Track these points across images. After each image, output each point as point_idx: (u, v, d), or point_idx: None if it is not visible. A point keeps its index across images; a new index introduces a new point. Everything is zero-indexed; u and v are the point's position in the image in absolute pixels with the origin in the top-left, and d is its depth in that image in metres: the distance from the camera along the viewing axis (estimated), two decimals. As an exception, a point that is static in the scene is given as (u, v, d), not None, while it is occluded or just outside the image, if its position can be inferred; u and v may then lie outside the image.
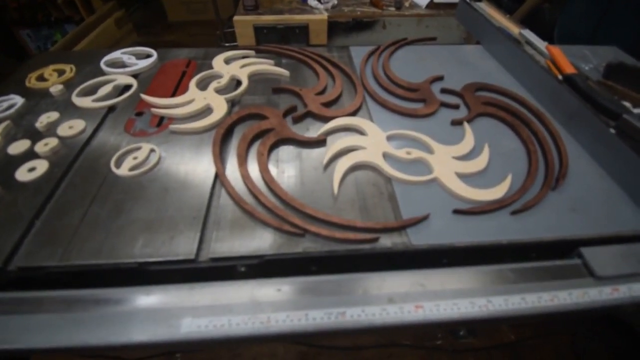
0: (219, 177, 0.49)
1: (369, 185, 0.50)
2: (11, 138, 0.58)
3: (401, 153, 0.53)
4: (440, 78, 0.72)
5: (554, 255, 0.46)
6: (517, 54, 0.73)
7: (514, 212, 0.46)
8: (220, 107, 0.62)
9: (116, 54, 0.78)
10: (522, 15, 1.34)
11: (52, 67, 0.75)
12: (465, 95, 0.66)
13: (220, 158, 0.52)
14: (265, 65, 0.74)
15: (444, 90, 0.69)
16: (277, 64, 0.77)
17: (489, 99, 0.65)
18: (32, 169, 0.52)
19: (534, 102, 0.66)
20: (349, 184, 0.50)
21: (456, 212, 0.46)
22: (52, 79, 0.71)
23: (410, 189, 0.49)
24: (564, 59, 0.67)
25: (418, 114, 0.62)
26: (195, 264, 0.41)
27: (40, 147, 0.54)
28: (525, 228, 0.45)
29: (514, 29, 0.82)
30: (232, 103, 0.66)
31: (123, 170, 0.51)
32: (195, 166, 0.52)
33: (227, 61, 0.76)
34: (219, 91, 0.68)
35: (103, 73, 0.73)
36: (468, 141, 0.56)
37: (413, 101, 0.66)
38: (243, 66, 0.74)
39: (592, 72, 0.73)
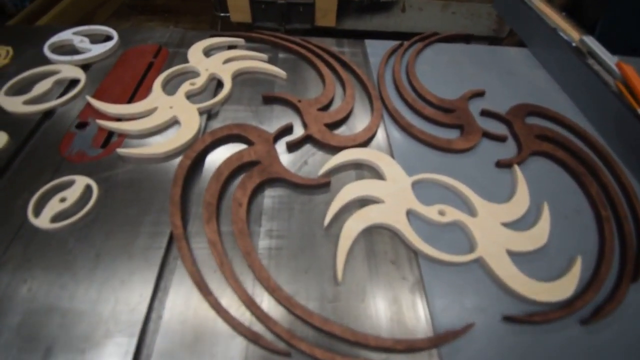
0: (176, 242, 0.35)
1: (386, 264, 0.36)
2: None
3: (432, 212, 0.39)
4: (480, 94, 0.56)
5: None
6: (577, 69, 0.57)
7: (585, 322, 0.33)
8: (190, 122, 0.46)
9: (66, 34, 0.60)
10: (559, 5, 1.15)
11: (-19, 47, 0.58)
12: (514, 122, 0.51)
13: (181, 207, 0.38)
14: (256, 62, 0.57)
15: (485, 113, 0.53)
16: (273, 59, 0.60)
17: (545, 130, 0.50)
18: None
19: (600, 140, 0.51)
20: (359, 256, 0.36)
21: (508, 319, 0.32)
22: (-23, 65, 0.55)
23: (443, 272, 0.35)
24: (648, 83, 0.51)
25: (453, 149, 0.47)
26: (127, 391, 0.28)
27: None
28: (600, 344, 0.32)
29: (573, 33, 0.65)
30: (207, 114, 0.50)
31: (43, 220, 0.36)
32: (145, 216, 0.38)
33: (208, 52, 0.59)
34: (191, 96, 0.52)
35: (47, 60, 0.56)
36: (521, 198, 0.41)
37: (446, 126, 0.51)
38: (227, 61, 0.57)
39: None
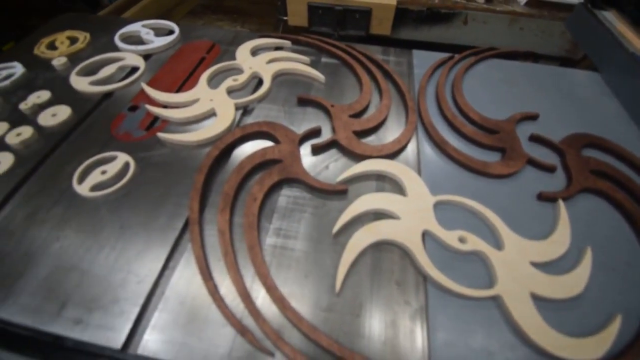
0: (189, 226, 0.37)
1: (390, 284, 0.34)
2: (-7, 117, 0.50)
3: (451, 238, 0.36)
4: (533, 117, 0.51)
5: None
6: (660, 99, 0.49)
7: (620, 393, 0.28)
8: (225, 116, 0.49)
9: (135, 27, 0.67)
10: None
11: (67, 32, 0.67)
12: (567, 152, 0.45)
13: (202, 194, 0.39)
14: (297, 64, 0.59)
15: (535, 138, 0.48)
16: (315, 62, 0.61)
17: (604, 166, 0.44)
18: (-6, 163, 0.43)
19: (678, 182, 0.43)
20: (362, 271, 0.35)
21: (520, 370, 0.29)
22: (61, 47, 0.63)
23: (453, 303, 0.33)
24: None
25: (490, 172, 0.43)
26: (121, 355, 0.30)
27: (11, 137, 0.46)
28: None
29: (661, 58, 0.56)
30: (243, 110, 0.52)
31: (84, 188, 0.40)
32: (169, 197, 0.40)
33: (255, 52, 0.62)
34: (232, 92, 0.54)
35: (116, 48, 0.63)
36: (561, 238, 0.37)
37: (486, 148, 0.47)
38: (270, 61, 0.59)
39: None
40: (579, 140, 0.47)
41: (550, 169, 0.44)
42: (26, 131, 0.46)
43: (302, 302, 0.32)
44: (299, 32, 0.70)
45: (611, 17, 0.67)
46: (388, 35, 1.12)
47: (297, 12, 1.13)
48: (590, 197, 0.42)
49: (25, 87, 0.55)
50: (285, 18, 1.45)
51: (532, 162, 0.45)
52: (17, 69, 0.58)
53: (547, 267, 0.35)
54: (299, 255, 0.35)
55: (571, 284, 0.33)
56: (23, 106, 0.50)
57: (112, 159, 0.44)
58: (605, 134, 0.48)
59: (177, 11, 2.19)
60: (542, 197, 0.41)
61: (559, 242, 0.36)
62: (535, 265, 0.35)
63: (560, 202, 0.40)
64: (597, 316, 0.32)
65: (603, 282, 0.34)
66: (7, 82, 0.55)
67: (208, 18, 2.39)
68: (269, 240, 0.37)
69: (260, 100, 0.53)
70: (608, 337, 0.30)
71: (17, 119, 0.49)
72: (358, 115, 0.51)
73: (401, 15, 1.07)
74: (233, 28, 1.82)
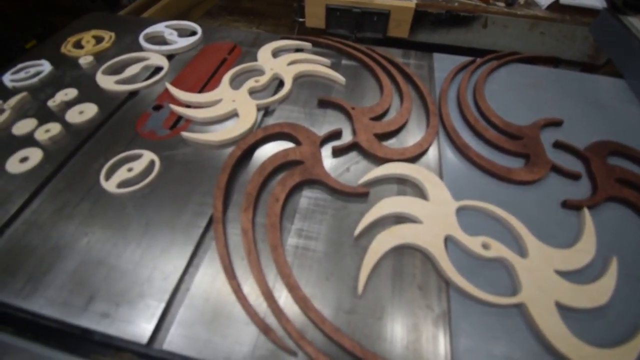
0: (213, 224, 0.37)
1: (412, 288, 0.34)
2: (23, 114, 0.52)
3: (474, 244, 0.36)
4: (557, 123, 0.51)
5: None
6: (691, 107, 0.48)
7: (649, 408, 0.27)
8: (247, 116, 0.49)
9: (159, 27, 0.68)
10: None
11: (93, 32, 0.68)
12: (592, 160, 0.44)
13: (225, 193, 0.40)
14: (318, 66, 0.59)
15: (559, 145, 0.48)
16: (336, 64, 0.61)
17: (630, 175, 0.43)
18: (24, 159, 0.45)
19: None
20: (384, 274, 0.35)
21: (545, 379, 0.28)
22: (87, 46, 0.65)
23: (476, 310, 0.32)
24: None
25: (513, 179, 0.43)
26: (147, 350, 0.31)
27: (40, 134, 0.47)
28: None
29: (692, 64, 0.55)
30: (265, 111, 0.52)
31: (111, 185, 0.41)
32: (193, 196, 0.41)
33: (276, 53, 0.63)
34: (253, 92, 0.55)
35: (141, 48, 0.64)
36: (586, 247, 0.36)
37: (510, 154, 0.46)
38: (291, 63, 0.59)
39: None
40: (604, 148, 0.46)
41: (575, 177, 0.44)
42: (54, 128, 0.48)
43: (323, 304, 0.32)
44: (315, 34, 0.70)
45: (637, 23, 0.65)
46: (405, 37, 1.12)
47: (314, 14, 1.13)
48: (616, 206, 0.41)
49: (53, 84, 0.57)
50: (301, 20, 1.45)
51: (557, 169, 0.44)
52: (45, 66, 0.59)
53: (572, 275, 0.34)
54: (320, 257, 0.36)
55: (596, 294, 0.33)
56: (51, 103, 0.52)
57: (138, 156, 0.45)
58: (631, 142, 0.47)
59: (194, 12, 2.22)
60: (567, 205, 0.40)
61: (584, 250, 0.36)
62: (560, 273, 0.34)
63: (586, 211, 0.39)
64: (623, 327, 0.31)
65: (629, 292, 0.34)
66: (35, 80, 0.57)
67: (224, 19, 2.41)
68: (291, 240, 0.37)
69: (282, 101, 0.54)
70: (634, 349, 0.29)
71: (45, 116, 0.51)
72: (379, 118, 0.51)
73: (419, 18, 1.06)
74: (249, 29, 1.84)
